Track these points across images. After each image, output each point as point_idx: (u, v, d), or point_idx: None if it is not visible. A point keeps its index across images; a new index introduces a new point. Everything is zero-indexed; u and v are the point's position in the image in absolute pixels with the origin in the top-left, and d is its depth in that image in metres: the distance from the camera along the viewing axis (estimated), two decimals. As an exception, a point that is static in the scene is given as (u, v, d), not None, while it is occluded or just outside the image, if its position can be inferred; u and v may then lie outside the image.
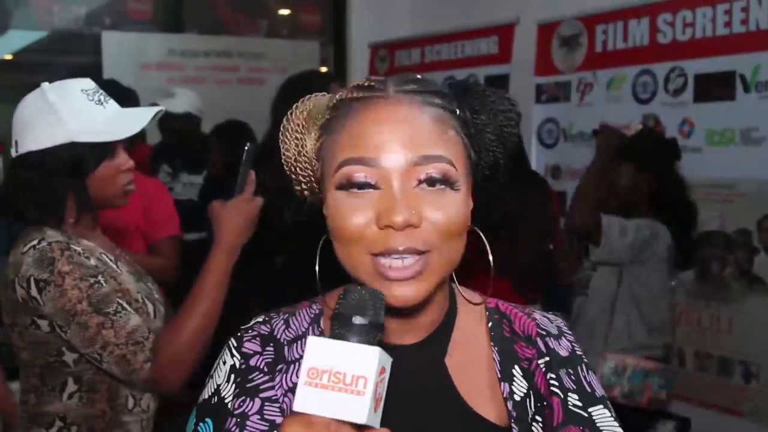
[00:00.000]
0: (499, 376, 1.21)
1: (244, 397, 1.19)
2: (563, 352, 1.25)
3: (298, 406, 0.95)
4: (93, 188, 2.15)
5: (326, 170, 1.16)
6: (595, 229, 3.33)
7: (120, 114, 2.17)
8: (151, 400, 2.25)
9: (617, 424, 1.21)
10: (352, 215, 1.10)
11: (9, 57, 6.74)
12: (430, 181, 1.10)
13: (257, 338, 1.23)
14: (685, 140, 3.95)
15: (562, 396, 1.21)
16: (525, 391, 1.21)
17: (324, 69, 6.45)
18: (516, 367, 1.23)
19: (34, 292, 2.03)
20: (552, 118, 4.73)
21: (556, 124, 4.71)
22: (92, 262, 2.06)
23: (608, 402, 1.24)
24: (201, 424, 1.22)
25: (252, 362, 1.21)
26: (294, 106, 1.25)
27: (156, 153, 5.13)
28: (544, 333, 1.26)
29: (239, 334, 1.25)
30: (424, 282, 1.10)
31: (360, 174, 1.10)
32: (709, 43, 3.89)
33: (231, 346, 1.24)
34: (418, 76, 1.20)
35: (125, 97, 2.95)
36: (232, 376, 1.22)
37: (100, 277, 2.04)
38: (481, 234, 1.22)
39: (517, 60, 4.95)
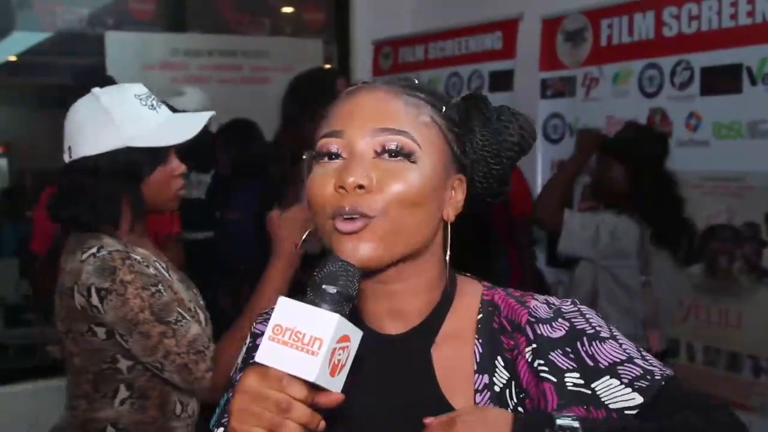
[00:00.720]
0: (476, 368, 1.24)
1: (244, 368, 1.31)
2: (557, 334, 1.23)
3: (259, 357, 1.04)
4: (147, 193, 2.17)
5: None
6: (556, 222, 3.43)
7: (172, 119, 2.23)
8: (196, 405, 2.28)
9: (629, 390, 1.19)
10: (319, 184, 1.20)
11: (13, 58, 6.74)
12: (390, 153, 1.19)
13: (267, 320, 1.27)
14: (692, 134, 3.94)
15: (556, 379, 1.20)
16: (505, 381, 1.23)
17: (328, 67, 6.44)
18: (499, 357, 1.25)
19: (95, 300, 2.03)
20: (557, 114, 4.71)
21: (561, 119, 4.68)
22: (151, 270, 2.08)
23: (619, 368, 1.20)
24: (222, 399, 1.33)
25: (258, 341, 1.27)
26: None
27: None
28: (534, 320, 1.25)
29: (259, 317, 1.39)
30: (370, 242, 1.16)
31: (328, 144, 1.21)
32: (715, 36, 3.86)
33: (252, 329, 1.38)
34: (415, 80, 1.31)
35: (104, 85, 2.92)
36: (245, 355, 1.36)
37: (160, 286, 2.06)
38: (448, 227, 1.27)
39: (522, 55, 4.92)
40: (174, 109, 5.04)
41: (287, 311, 1.05)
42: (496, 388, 1.22)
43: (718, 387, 3.85)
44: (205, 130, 5.23)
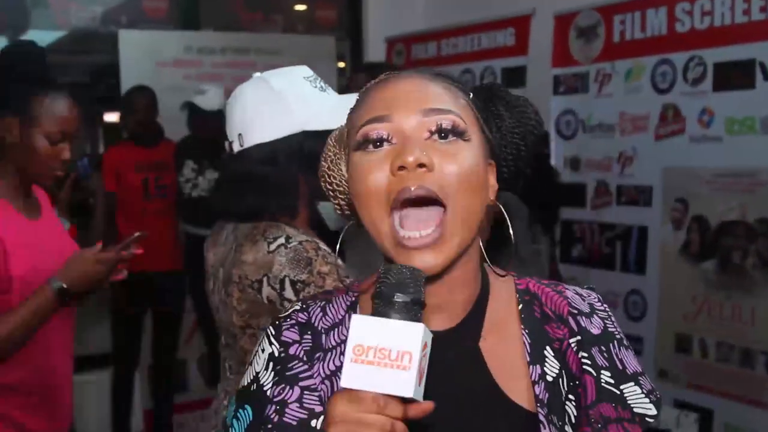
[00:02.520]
0: (529, 359, 1.22)
1: (283, 385, 1.21)
2: (595, 330, 1.25)
3: (345, 382, 0.98)
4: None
5: (349, 143, 1.22)
6: None
7: (341, 101, 2.06)
8: None
9: (648, 400, 1.22)
10: (370, 171, 1.14)
11: (27, 57, 6.76)
12: (442, 133, 1.14)
13: (295, 327, 1.25)
14: (704, 130, 3.93)
15: (595, 374, 1.21)
16: (557, 371, 1.22)
17: (341, 64, 6.45)
18: (548, 347, 1.23)
19: (289, 293, 1.93)
20: (570, 110, 4.70)
21: (574, 115, 4.68)
22: (339, 261, 1.94)
23: (640, 378, 1.24)
24: (240, 410, 1.24)
25: (291, 351, 1.23)
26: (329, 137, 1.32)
27: (180, 149, 5.14)
28: (575, 312, 1.26)
29: (277, 322, 1.28)
30: (445, 246, 1.12)
31: (374, 131, 1.15)
32: (728, 31, 3.86)
33: (269, 334, 1.26)
34: (432, 69, 1.26)
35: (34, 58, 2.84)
36: (271, 364, 1.24)
37: (348, 278, 1.97)
38: (503, 208, 1.24)
39: (534, 52, 4.92)
40: (197, 107, 5.05)
41: (365, 329, 0.99)
42: (549, 378, 1.21)
43: (731, 383, 3.85)
44: (222, 128, 5.28)
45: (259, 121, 2.02)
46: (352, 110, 1.25)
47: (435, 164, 1.11)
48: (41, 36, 6.37)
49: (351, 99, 2.06)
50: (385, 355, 0.97)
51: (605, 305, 1.30)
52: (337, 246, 1.30)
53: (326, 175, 1.29)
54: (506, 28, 5.13)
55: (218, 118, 5.00)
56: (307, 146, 1.99)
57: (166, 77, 5.50)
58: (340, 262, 1.92)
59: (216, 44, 5.77)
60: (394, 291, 1.02)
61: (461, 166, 1.12)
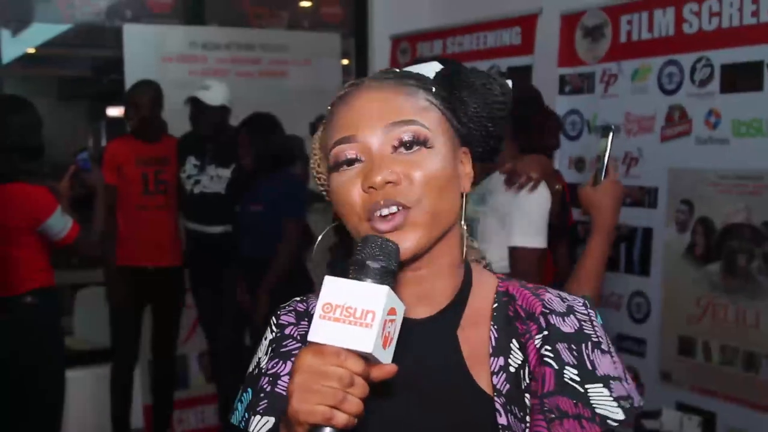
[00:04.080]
0: (491, 351, 1.29)
1: (277, 360, 1.33)
2: (566, 329, 1.28)
3: (312, 336, 1.06)
4: None
5: (326, 161, 1.31)
6: None
7: None
8: None
9: (616, 404, 1.24)
10: (346, 189, 1.24)
11: (32, 50, 6.77)
12: (406, 145, 1.23)
13: (293, 312, 1.39)
14: (711, 131, 3.91)
15: (557, 367, 1.25)
16: (520, 362, 1.28)
17: (345, 61, 6.44)
18: (513, 340, 1.30)
19: None
20: (575, 110, 4.68)
21: (579, 115, 4.66)
22: None
23: (611, 382, 1.26)
24: (244, 394, 1.35)
25: (287, 331, 1.36)
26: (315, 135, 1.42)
27: (182, 144, 5.13)
28: (547, 311, 1.30)
29: (278, 311, 1.40)
30: (411, 233, 1.21)
31: (344, 152, 1.24)
32: (736, 33, 3.83)
33: (271, 323, 1.39)
34: (395, 69, 1.36)
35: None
36: (270, 348, 1.36)
37: None
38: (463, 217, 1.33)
39: (540, 51, 4.90)
40: (201, 102, 5.04)
41: (335, 289, 1.07)
42: (511, 369, 1.27)
43: (735, 387, 3.83)
44: (225, 124, 5.27)
45: None
46: (325, 125, 1.33)
47: (401, 177, 1.21)
48: (45, 29, 6.37)
49: None
50: (350, 313, 1.05)
51: (591, 312, 1.33)
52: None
53: (317, 176, 1.40)
54: (512, 26, 5.11)
55: (221, 113, 5.02)
56: None
57: (170, 72, 5.49)
58: None
59: (221, 40, 5.76)
60: (367, 258, 1.10)
61: (426, 173, 1.22)
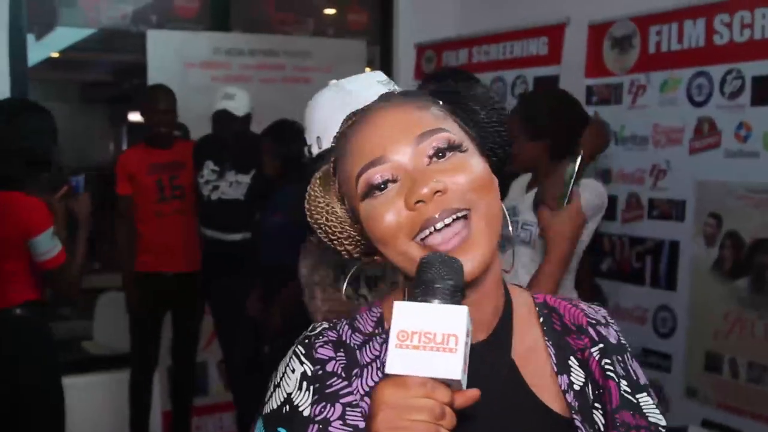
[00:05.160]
0: (555, 369, 1.24)
1: (324, 403, 1.18)
2: (612, 340, 1.29)
3: (390, 368, 0.97)
4: None
5: (349, 193, 1.23)
6: None
7: None
8: None
9: (658, 411, 1.25)
10: (384, 213, 1.15)
11: (56, 55, 6.79)
12: (439, 153, 1.16)
13: (329, 344, 1.23)
14: (741, 144, 3.85)
15: (617, 380, 1.24)
16: (583, 380, 1.25)
17: (369, 69, 6.41)
18: (572, 357, 1.26)
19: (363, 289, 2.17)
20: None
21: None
22: None
23: (650, 390, 1.28)
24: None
25: (328, 368, 1.21)
26: (309, 186, 1.31)
27: (199, 149, 5.10)
28: (594, 322, 1.30)
29: (306, 341, 1.25)
30: (475, 246, 1.13)
31: (375, 176, 1.16)
32: (767, 45, 3.78)
33: (299, 353, 1.23)
34: (392, 92, 1.32)
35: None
36: (305, 383, 1.20)
37: None
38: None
39: (568, 61, 4.86)
40: (230, 114, 4.99)
41: (408, 315, 0.99)
42: (576, 387, 1.24)
43: (762, 404, 3.77)
44: (248, 131, 5.24)
45: (334, 123, 2.12)
46: (340, 158, 1.25)
47: (448, 184, 1.13)
48: (69, 33, 6.38)
49: None
50: (430, 338, 0.97)
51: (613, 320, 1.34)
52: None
53: (325, 227, 1.29)
54: (539, 36, 5.06)
55: (246, 121, 5.00)
56: None
57: (193, 78, 5.48)
58: None
59: (245, 46, 5.75)
60: (435, 278, 1.03)
61: (471, 176, 1.16)
